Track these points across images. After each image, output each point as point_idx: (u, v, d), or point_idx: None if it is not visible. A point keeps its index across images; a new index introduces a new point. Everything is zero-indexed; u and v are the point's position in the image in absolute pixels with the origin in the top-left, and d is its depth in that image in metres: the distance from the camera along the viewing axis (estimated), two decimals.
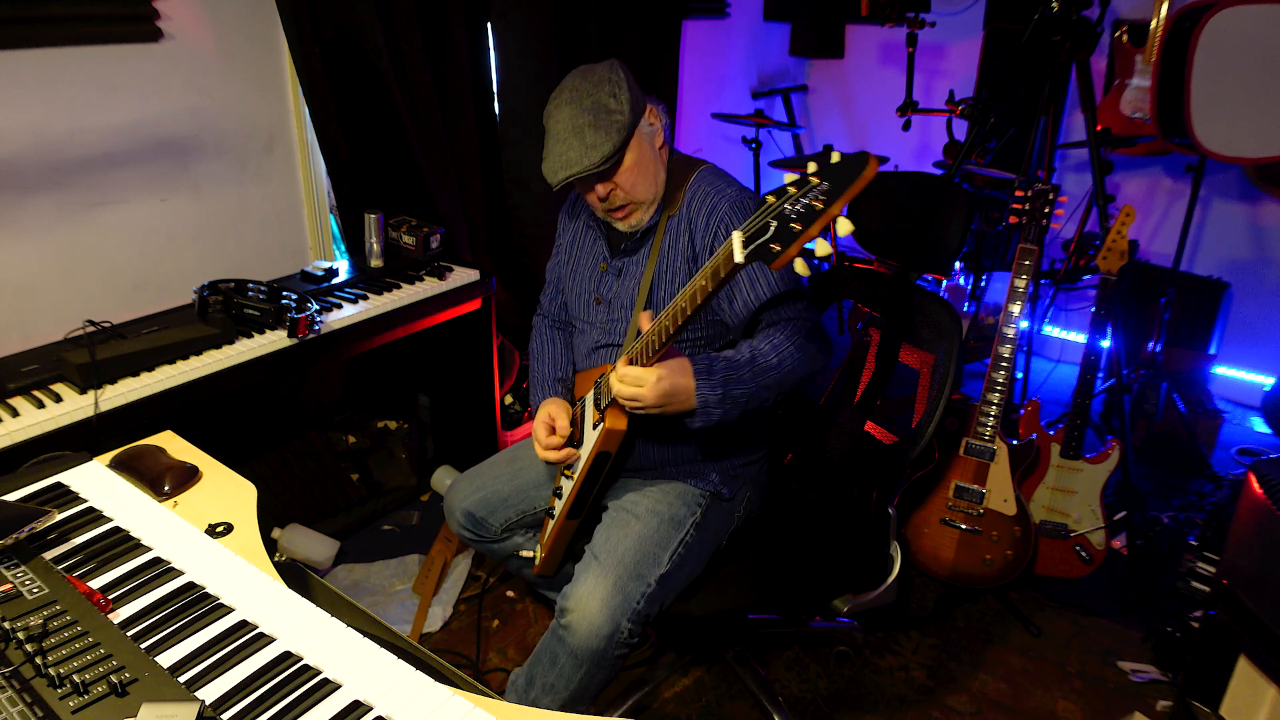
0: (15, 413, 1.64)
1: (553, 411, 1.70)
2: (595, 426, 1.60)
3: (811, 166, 1.09)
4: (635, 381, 1.38)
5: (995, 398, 2.16)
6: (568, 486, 1.66)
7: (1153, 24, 2.55)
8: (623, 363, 1.43)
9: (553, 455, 1.66)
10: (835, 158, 1.07)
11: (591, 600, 1.45)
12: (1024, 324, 2.29)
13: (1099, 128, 2.68)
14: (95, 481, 1.27)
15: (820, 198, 1.06)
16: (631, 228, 1.60)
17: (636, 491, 1.67)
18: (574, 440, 1.68)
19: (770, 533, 1.78)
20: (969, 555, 2.22)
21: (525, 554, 1.79)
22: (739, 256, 1.16)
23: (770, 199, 1.13)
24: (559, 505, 1.69)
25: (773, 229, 1.10)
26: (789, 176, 1.11)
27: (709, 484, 1.67)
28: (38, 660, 0.88)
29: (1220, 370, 3.46)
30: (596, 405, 1.61)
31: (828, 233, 1.11)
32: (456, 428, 2.82)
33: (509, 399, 2.95)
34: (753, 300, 1.51)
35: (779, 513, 1.84)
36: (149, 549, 1.12)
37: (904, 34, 3.43)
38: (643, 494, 1.65)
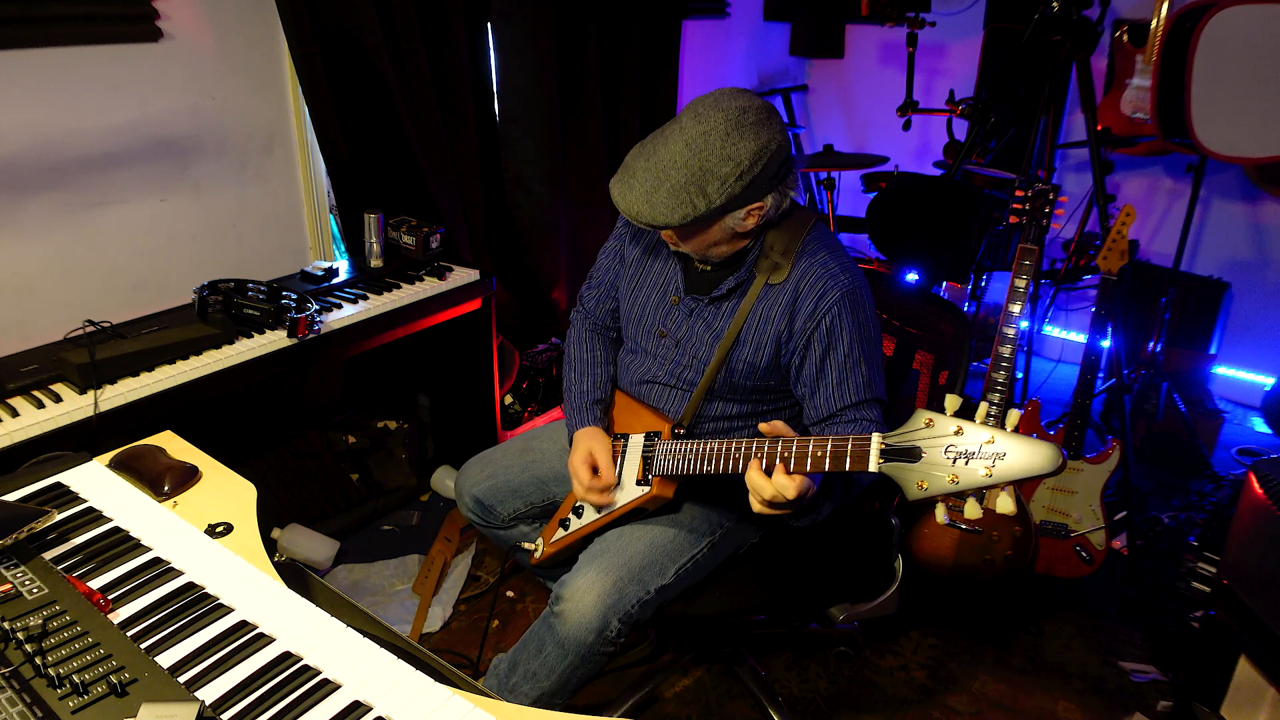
0: (15, 413, 1.64)
1: (593, 448, 1.58)
2: (639, 482, 1.56)
3: (983, 408, 1.01)
4: (799, 491, 1.22)
5: (995, 398, 2.16)
6: (590, 514, 1.64)
7: (1153, 24, 2.55)
8: (756, 468, 1.27)
9: (594, 498, 1.57)
10: (1014, 419, 0.99)
11: (588, 594, 1.45)
12: (1024, 324, 2.29)
13: (1099, 128, 2.68)
14: (95, 481, 1.27)
15: (990, 466, 0.98)
16: (688, 254, 1.51)
17: None
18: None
19: (770, 538, 1.78)
20: (969, 555, 2.22)
21: (527, 546, 1.79)
22: (873, 466, 1.09)
23: (925, 421, 1.04)
24: (575, 523, 1.67)
25: (922, 460, 1.03)
26: (951, 401, 1.03)
27: (736, 506, 1.64)
28: (37, 660, 0.88)
29: (1220, 370, 3.46)
30: (646, 464, 1.55)
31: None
32: (456, 428, 2.82)
33: (509, 399, 2.95)
34: (836, 401, 1.46)
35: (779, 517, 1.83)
36: (149, 549, 1.12)
37: (904, 34, 3.43)
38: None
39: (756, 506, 1.28)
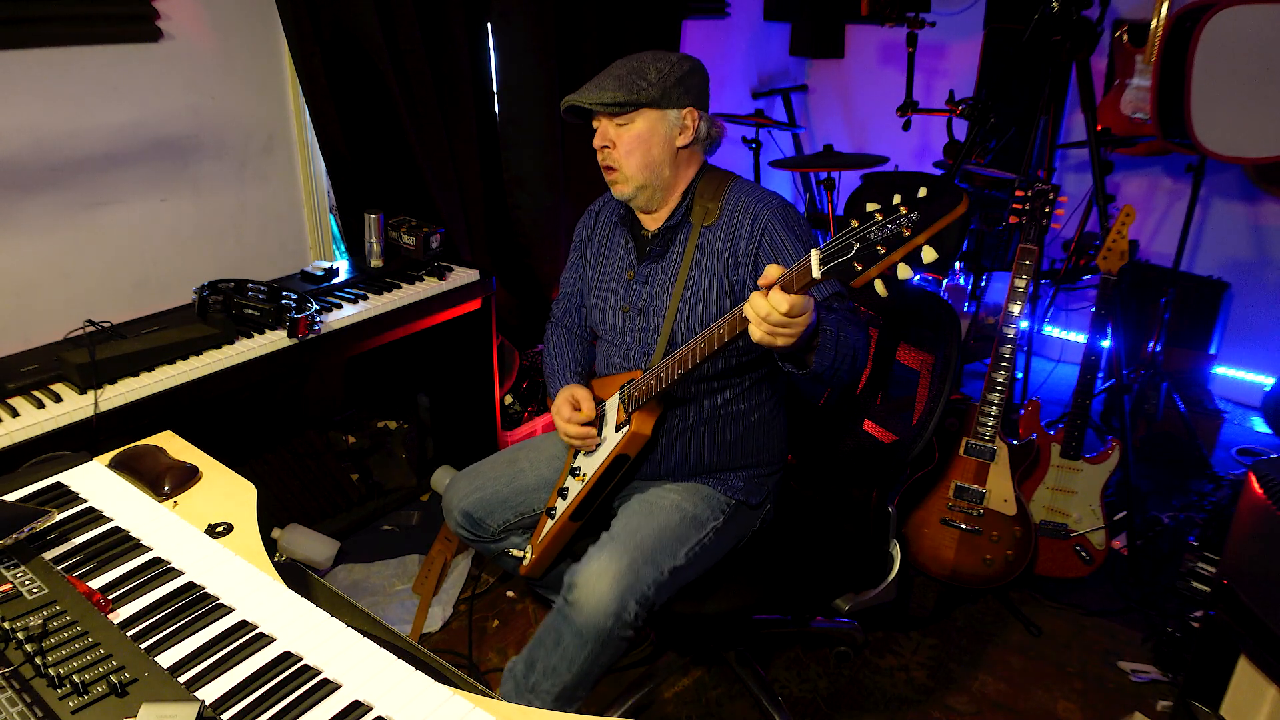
0: (15, 413, 1.64)
1: (576, 393, 1.70)
2: (619, 429, 1.60)
3: (897, 198, 1.13)
4: (790, 306, 1.25)
5: (995, 398, 2.16)
6: (575, 487, 1.66)
7: (1153, 24, 2.55)
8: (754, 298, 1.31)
9: (574, 430, 1.66)
10: (922, 192, 1.11)
11: (603, 578, 1.45)
12: (1024, 324, 2.29)
13: (1099, 128, 2.68)
14: (95, 481, 1.27)
15: (909, 226, 1.11)
16: (619, 196, 1.64)
17: (662, 489, 1.67)
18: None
19: (772, 533, 1.79)
20: (969, 555, 2.22)
21: (515, 553, 1.79)
22: (816, 273, 1.19)
23: (854, 223, 1.16)
24: (561, 506, 1.68)
25: (855, 249, 1.15)
26: (871, 205, 1.16)
27: (733, 491, 1.68)
28: (37, 660, 0.88)
29: (1220, 370, 3.46)
30: (624, 406, 1.60)
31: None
32: (456, 428, 2.82)
33: (509, 399, 2.95)
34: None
35: (781, 513, 1.84)
36: (149, 549, 1.12)
37: (904, 34, 3.42)
38: (668, 491, 1.66)
39: (758, 334, 1.30)
